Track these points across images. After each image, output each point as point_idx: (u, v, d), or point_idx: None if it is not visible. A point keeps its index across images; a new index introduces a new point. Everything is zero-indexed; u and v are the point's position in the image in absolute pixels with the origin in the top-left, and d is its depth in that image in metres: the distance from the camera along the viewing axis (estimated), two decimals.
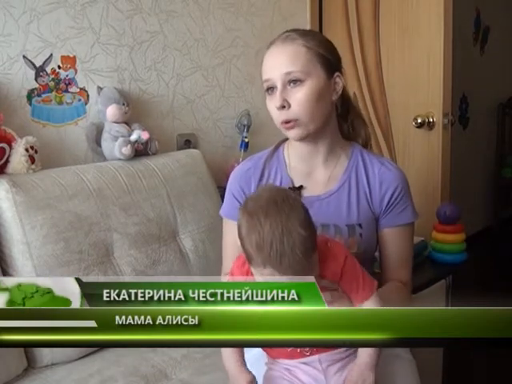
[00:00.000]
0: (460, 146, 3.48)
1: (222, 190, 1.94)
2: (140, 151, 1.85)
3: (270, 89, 1.22)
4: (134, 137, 1.83)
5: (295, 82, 1.19)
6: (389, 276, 1.31)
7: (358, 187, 1.27)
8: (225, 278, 1.35)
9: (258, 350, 1.27)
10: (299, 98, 1.19)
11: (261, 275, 0.98)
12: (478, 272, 3.60)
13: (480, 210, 4.32)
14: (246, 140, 2.31)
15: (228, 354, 1.08)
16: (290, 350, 1.09)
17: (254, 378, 1.06)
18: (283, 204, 0.97)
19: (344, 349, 1.09)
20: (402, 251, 1.30)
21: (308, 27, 2.60)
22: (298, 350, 1.07)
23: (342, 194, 1.27)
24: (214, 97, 2.32)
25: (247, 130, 2.33)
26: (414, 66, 2.44)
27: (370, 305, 1.07)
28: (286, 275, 0.94)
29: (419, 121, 2.38)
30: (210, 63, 2.29)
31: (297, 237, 0.94)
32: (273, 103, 1.21)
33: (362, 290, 1.06)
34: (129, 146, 1.79)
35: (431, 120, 2.38)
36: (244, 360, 1.09)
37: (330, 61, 1.23)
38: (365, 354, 1.05)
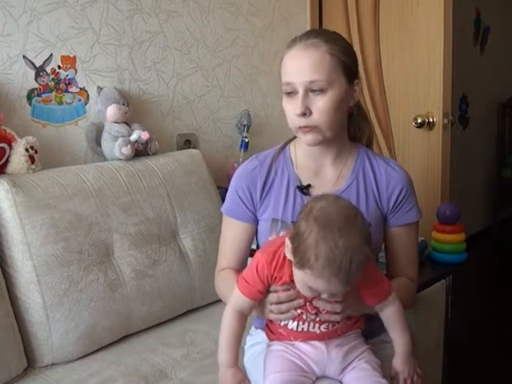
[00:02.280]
0: (460, 146, 3.49)
1: (222, 190, 1.94)
2: (140, 151, 1.85)
3: (290, 92, 1.21)
4: (133, 137, 1.83)
5: (318, 90, 1.18)
6: (396, 274, 1.33)
7: (366, 186, 1.28)
8: (219, 274, 1.35)
9: (259, 347, 1.28)
10: (321, 106, 1.19)
11: (310, 283, 1.01)
12: (478, 272, 3.61)
13: (480, 210, 4.33)
14: (246, 140, 2.31)
15: (224, 347, 1.12)
16: (298, 333, 1.12)
17: (244, 378, 1.11)
18: (355, 220, 1.01)
19: (351, 332, 1.15)
20: (408, 249, 1.32)
21: (308, 27, 2.61)
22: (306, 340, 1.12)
23: (350, 192, 1.28)
24: (214, 97, 2.32)
25: (247, 130, 2.33)
26: (414, 66, 2.44)
27: (392, 301, 1.12)
28: (340, 288, 1.00)
29: (419, 121, 2.38)
30: (210, 63, 2.29)
31: (362, 258, 0.98)
32: (291, 107, 1.21)
33: (381, 293, 1.11)
34: (129, 145, 1.79)
35: (431, 120, 2.38)
36: (237, 357, 1.13)
37: (351, 68, 1.23)
38: (402, 345, 1.13)
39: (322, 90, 1.18)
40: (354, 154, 1.32)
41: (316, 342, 1.12)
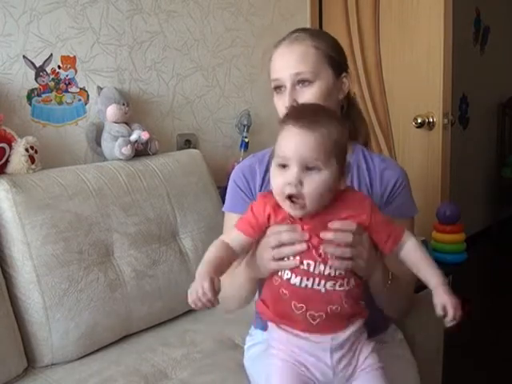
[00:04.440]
0: (460, 146, 3.49)
1: (222, 190, 1.94)
2: (140, 151, 1.85)
3: (278, 88, 1.24)
4: (133, 137, 1.83)
5: (304, 82, 1.21)
6: None
7: (360, 183, 1.28)
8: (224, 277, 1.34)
9: (259, 347, 1.27)
10: (308, 98, 1.21)
11: (278, 150, 1.01)
12: (478, 272, 3.61)
13: (480, 210, 4.33)
14: (246, 140, 2.31)
15: (203, 265, 1.02)
16: (296, 313, 1.02)
17: (218, 280, 0.99)
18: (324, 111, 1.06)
19: (356, 325, 1.06)
20: None
21: (308, 27, 2.60)
22: (306, 313, 1.02)
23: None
24: (213, 97, 2.32)
25: (247, 130, 2.33)
26: (414, 66, 2.44)
27: (409, 236, 1.06)
28: (307, 148, 0.98)
29: (419, 121, 2.38)
30: (210, 63, 2.29)
31: (332, 126, 1.01)
32: (281, 102, 1.23)
33: (395, 232, 1.05)
34: (129, 145, 1.79)
35: (431, 120, 2.38)
36: (216, 273, 1.01)
37: (338, 61, 1.25)
38: (436, 276, 1.03)
39: (308, 82, 1.21)
40: (349, 152, 1.32)
41: (323, 367, 1.04)
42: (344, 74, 1.27)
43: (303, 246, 1.01)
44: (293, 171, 1.01)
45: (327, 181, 1.02)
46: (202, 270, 1.00)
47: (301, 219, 1.03)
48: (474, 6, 4.01)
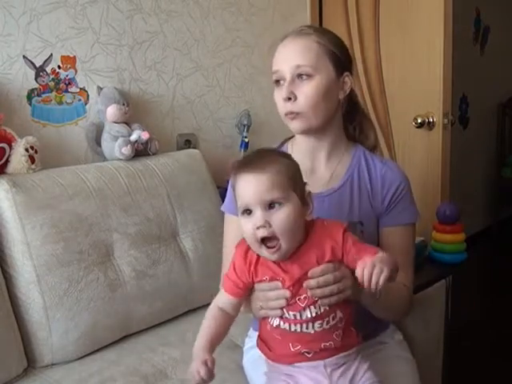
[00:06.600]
0: (460, 146, 3.49)
1: (221, 190, 1.94)
2: (140, 151, 1.85)
3: (278, 81, 1.24)
4: (133, 137, 1.83)
5: (304, 76, 1.21)
6: None
7: (360, 186, 1.27)
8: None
9: (257, 351, 1.27)
10: (306, 91, 1.20)
11: (239, 200, 1.05)
12: (478, 272, 3.61)
13: (480, 210, 4.33)
14: (246, 140, 2.31)
15: (198, 336, 1.10)
16: (292, 350, 1.06)
17: (212, 360, 1.04)
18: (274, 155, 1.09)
19: (350, 351, 1.08)
20: (402, 252, 1.27)
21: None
22: (301, 350, 1.06)
23: (343, 191, 1.27)
24: (213, 97, 2.32)
25: (247, 130, 2.33)
26: (414, 66, 2.44)
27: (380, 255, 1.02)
28: (256, 186, 1.02)
29: (419, 121, 2.38)
30: (210, 63, 2.29)
31: (279, 166, 1.04)
32: (280, 94, 1.23)
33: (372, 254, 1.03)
34: (129, 145, 1.79)
35: (431, 120, 2.38)
36: (212, 348, 1.08)
37: (340, 59, 1.25)
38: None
39: (308, 76, 1.20)
40: (350, 154, 1.31)
41: (318, 376, 1.06)
42: (346, 74, 1.26)
43: (283, 302, 1.05)
44: (257, 214, 1.03)
45: (292, 213, 1.04)
46: (198, 349, 1.06)
47: (280, 266, 1.06)
48: (474, 5, 4.01)
